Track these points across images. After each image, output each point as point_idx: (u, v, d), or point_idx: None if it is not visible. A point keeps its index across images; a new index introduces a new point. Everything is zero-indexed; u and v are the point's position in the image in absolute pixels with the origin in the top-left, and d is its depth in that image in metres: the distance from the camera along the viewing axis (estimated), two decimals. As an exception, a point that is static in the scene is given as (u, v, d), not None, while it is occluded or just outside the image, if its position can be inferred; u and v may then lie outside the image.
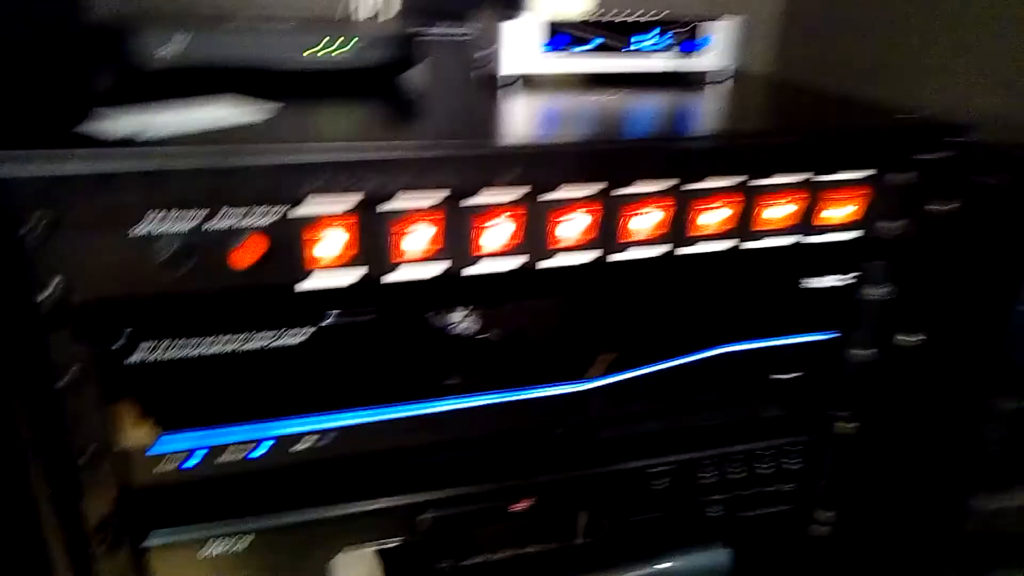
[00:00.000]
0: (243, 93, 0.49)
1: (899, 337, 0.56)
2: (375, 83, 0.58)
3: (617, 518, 0.57)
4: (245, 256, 0.40)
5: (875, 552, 0.64)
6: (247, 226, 0.39)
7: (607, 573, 0.61)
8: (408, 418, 0.49)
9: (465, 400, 0.49)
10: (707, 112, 0.58)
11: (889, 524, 0.62)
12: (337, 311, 0.44)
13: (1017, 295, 0.51)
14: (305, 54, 0.54)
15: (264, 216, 0.40)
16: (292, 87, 0.55)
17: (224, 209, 0.39)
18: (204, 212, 0.39)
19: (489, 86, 0.61)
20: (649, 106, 0.57)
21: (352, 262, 0.42)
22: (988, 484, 0.58)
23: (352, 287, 0.43)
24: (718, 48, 0.63)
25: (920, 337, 0.56)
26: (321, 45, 0.54)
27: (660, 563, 0.62)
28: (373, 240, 0.42)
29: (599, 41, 0.60)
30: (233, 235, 0.39)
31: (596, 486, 0.56)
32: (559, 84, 0.64)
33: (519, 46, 0.59)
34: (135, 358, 0.41)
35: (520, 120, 0.54)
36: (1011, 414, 0.54)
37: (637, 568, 0.61)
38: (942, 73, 0.75)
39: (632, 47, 0.61)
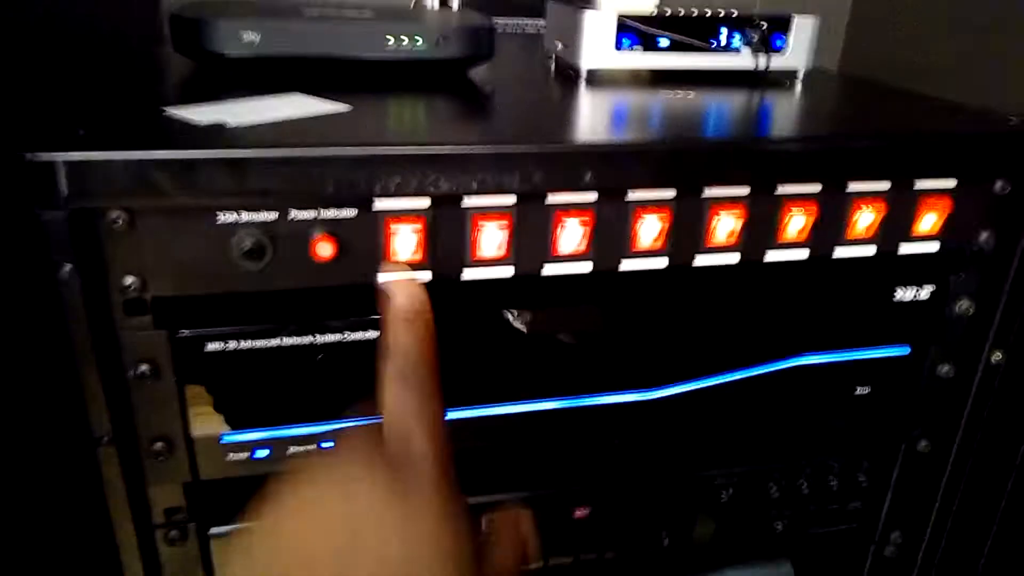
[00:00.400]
0: (320, 83, 0.49)
1: (987, 355, 0.53)
2: (451, 75, 0.58)
3: (680, 529, 0.56)
4: (325, 248, 0.39)
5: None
6: (328, 218, 0.39)
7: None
8: (474, 419, 0.48)
9: (534, 404, 0.48)
10: (790, 113, 0.56)
11: (960, 548, 0.60)
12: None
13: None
14: (387, 46, 0.53)
15: (344, 209, 0.39)
16: (369, 78, 0.54)
17: (306, 201, 0.38)
18: (286, 203, 0.38)
19: (565, 80, 0.60)
20: (729, 106, 0.55)
21: (428, 259, 0.41)
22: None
23: (427, 285, 0.42)
24: (797, 46, 0.61)
25: (1000, 356, 0.53)
26: (399, 36, 0.53)
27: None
28: (450, 237, 0.41)
29: (674, 37, 0.59)
30: (314, 227, 0.39)
31: (659, 494, 0.55)
32: (633, 80, 0.62)
33: (597, 40, 0.58)
34: (212, 348, 0.40)
35: (597, 117, 0.53)
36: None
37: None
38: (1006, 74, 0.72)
39: (710, 44, 0.60)
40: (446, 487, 0.30)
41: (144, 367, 0.40)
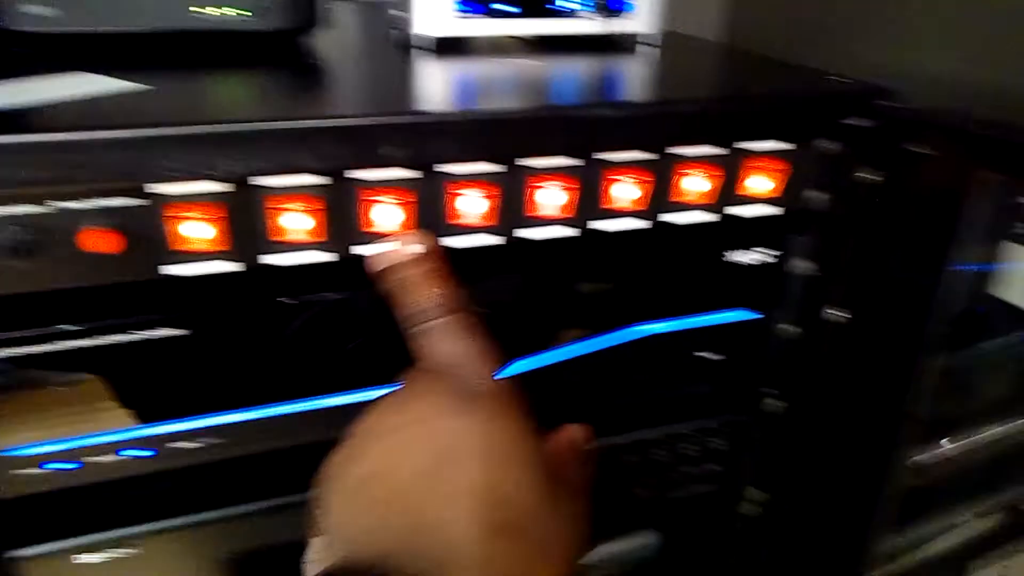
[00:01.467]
0: (120, 58, 0.45)
1: (827, 313, 0.54)
2: (273, 46, 0.54)
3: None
4: (102, 242, 0.36)
5: (806, 529, 0.63)
6: (102, 208, 0.35)
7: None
8: (275, 418, 0.45)
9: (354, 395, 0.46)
10: (625, 78, 0.55)
11: (820, 498, 0.61)
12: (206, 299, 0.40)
13: (944, 262, 0.50)
14: (191, 11, 0.49)
15: (122, 196, 0.36)
16: (176, 51, 0.50)
17: (74, 190, 0.35)
18: (52, 193, 0.34)
19: (401, 50, 0.57)
20: (564, 72, 0.53)
21: (224, 245, 0.38)
22: (915, 440, 0.58)
23: (225, 273, 0.39)
24: (643, 10, 0.59)
25: (847, 314, 0.54)
26: (205, 6, 0.49)
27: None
28: (247, 223, 0.38)
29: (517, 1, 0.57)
30: (86, 218, 0.35)
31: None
32: (479, 47, 0.60)
33: (433, 6, 0.55)
34: (-20, 357, 0.37)
35: (422, 88, 0.50)
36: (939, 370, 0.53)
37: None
38: (897, 36, 0.72)
39: (554, 7, 0.58)
40: (509, 405, 0.31)
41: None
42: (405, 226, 0.41)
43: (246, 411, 0.44)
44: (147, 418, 0.42)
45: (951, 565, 0.73)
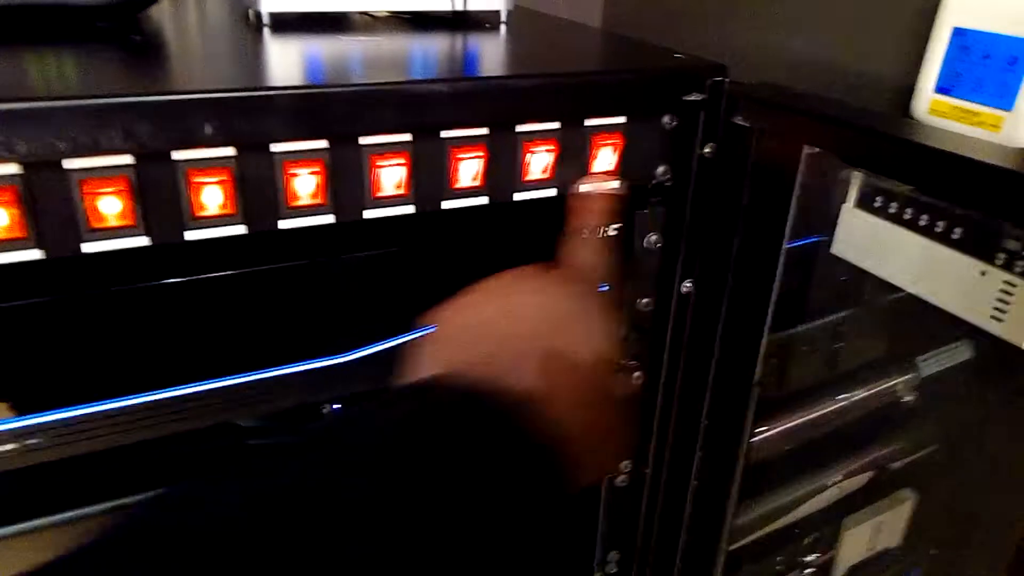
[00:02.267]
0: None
1: (678, 286, 0.56)
2: (107, 22, 0.51)
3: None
4: None
5: (669, 500, 0.65)
6: None
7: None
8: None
9: (208, 383, 0.45)
10: (469, 54, 0.55)
11: (678, 469, 0.64)
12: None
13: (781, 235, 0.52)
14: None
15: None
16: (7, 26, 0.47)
17: None
18: None
19: (247, 28, 0.55)
20: (401, 48, 0.53)
21: (31, 233, 0.36)
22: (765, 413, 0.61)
23: (37, 262, 0.37)
24: (494, -12, 0.60)
25: (689, 285, 0.56)
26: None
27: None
28: (56, 207, 0.36)
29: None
30: None
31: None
32: (320, 24, 0.58)
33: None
34: None
35: (253, 64, 0.49)
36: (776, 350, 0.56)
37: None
38: (753, 19, 0.75)
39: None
40: (605, 306, 0.37)
41: None
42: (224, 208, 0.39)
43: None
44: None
45: (826, 524, 0.78)
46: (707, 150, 0.51)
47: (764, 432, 0.65)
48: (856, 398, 0.72)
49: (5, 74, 0.41)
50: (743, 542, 0.70)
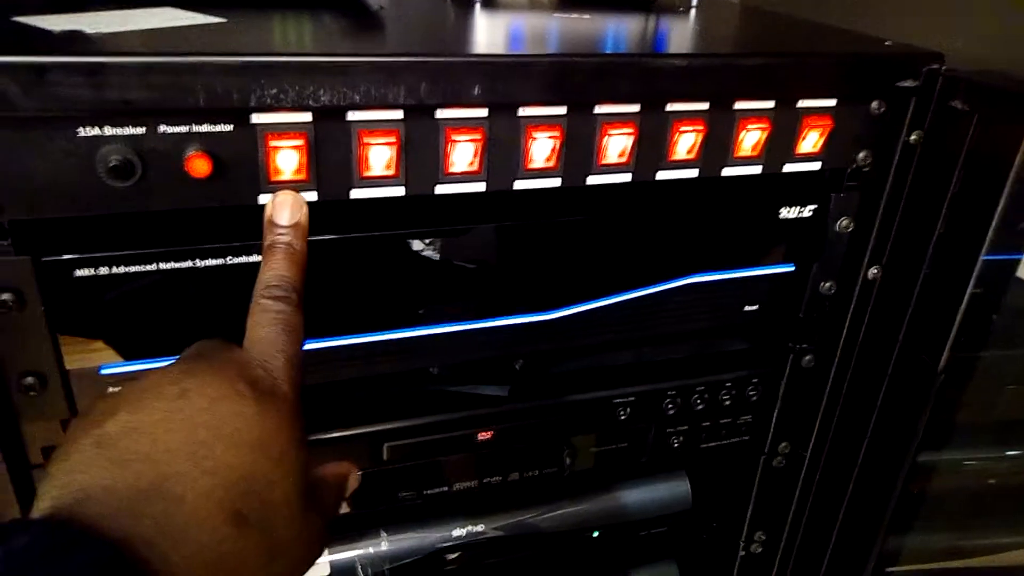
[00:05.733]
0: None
1: (865, 272, 0.56)
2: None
3: (580, 448, 0.57)
4: (201, 166, 0.37)
5: (828, 488, 0.66)
6: (202, 132, 0.37)
7: (569, 502, 0.62)
8: (370, 345, 0.47)
9: (428, 329, 0.48)
10: (681, 34, 0.57)
11: (842, 456, 0.64)
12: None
13: (981, 238, 0.52)
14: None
15: (219, 124, 0.37)
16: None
17: (175, 114, 0.36)
18: (154, 116, 0.36)
19: (461, 4, 0.58)
20: (619, 27, 0.55)
21: (312, 178, 0.40)
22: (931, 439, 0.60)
23: (313, 205, 0.40)
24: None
25: (876, 271, 0.56)
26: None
27: (623, 491, 0.63)
28: (334, 155, 0.40)
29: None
30: (187, 143, 0.37)
31: (558, 417, 0.56)
32: (530, 5, 0.61)
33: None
34: (81, 274, 0.38)
35: (486, 35, 0.52)
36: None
37: (601, 496, 0.62)
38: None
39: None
40: (297, 415, 0.32)
41: (7, 296, 0.37)
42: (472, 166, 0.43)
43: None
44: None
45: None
46: (913, 137, 0.51)
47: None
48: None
49: (276, 31, 0.45)
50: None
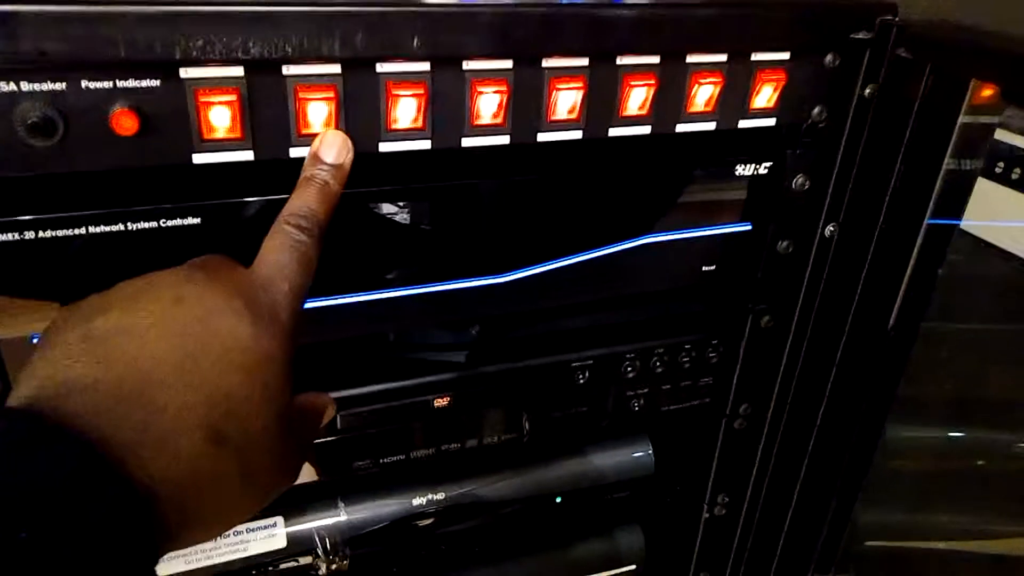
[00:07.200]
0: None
1: (821, 229, 0.56)
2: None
3: (539, 413, 0.57)
4: (129, 121, 0.35)
5: (790, 450, 0.66)
6: (127, 88, 0.35)
7: (530, 469, 0.62)
8: (320, 310, 0.46)
9: (379, 293, 0.47)
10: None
11: (802, 416, 0.64)
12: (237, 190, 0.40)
13: (927, 194, 0.52)
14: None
15: (145, 79, 0.35)
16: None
17: (97, 68, 0.34)
18: (74, 70, 0.34)
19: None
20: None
21: (247, 136, 0.38)
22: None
23: (249, 164, 0.39)
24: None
25: (833, 229, 0.56)
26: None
27: (585, 456, 0.63)
28: (270, 112, 0.38)
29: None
30: (112, 98, 0.35)
31: (516, 382, 0.55)
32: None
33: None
34: (3, 239, 0.36)
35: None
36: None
37: (563, 461, 0.62)
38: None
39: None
40: (290, 345, 0.31)
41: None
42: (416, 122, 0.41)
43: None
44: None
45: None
46: (868, 91, 0.50)
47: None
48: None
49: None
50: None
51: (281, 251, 0.33)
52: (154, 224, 0.39)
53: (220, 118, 0.37)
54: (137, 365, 0.27)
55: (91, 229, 0.38)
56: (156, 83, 0.36)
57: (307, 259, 0.34)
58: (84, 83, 0.35)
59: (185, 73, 0.36)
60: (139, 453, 0.25)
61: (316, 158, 0.37)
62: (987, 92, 0.47)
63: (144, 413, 0.26)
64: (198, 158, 0.38)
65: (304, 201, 0.35)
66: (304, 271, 0.33)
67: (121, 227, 0.38)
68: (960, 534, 0.71)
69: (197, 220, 0.40)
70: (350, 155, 0.38)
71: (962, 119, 0.48)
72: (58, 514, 0.22)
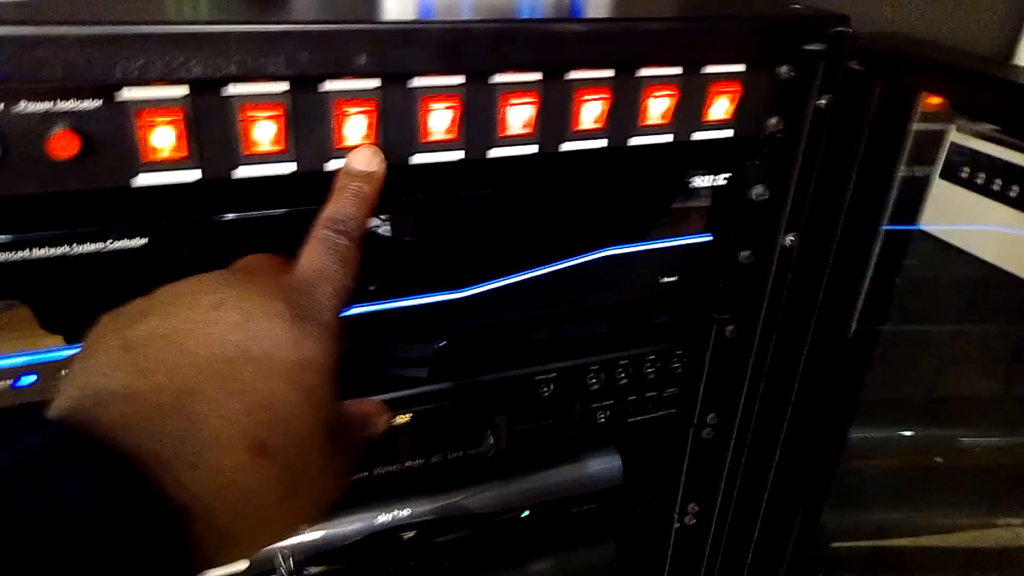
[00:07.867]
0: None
1: (781, 239, 0.56)
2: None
3: (504, 428, 0.57)
4: (69, 144, 0.35)
5: (758, 458, 0.66)
6: (66, 110, 0.35)
7: (496, 483, 0.61)
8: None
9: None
10: (587, 1, 0.55)
11: (769, 423, 0.64)
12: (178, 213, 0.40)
13: (881, 202, 0.52)
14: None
15: (84, 100, 0.35)
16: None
17: (34, 89, 0.34)
18: (11, 92, 0.34)
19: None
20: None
21: (192, 156, 0.38)
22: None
23: (193, 185, 0.39)
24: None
25: (792, 238, 0.56)
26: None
27: (552, 469, 0.63)
28: (215, 131, 0.38)
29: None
30: (50, 121, 0.35)
31: (479, 396, 0.55)
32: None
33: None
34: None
35: (389, 5, 0.50)
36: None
37: (529, 475, 0.62)
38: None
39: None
40: (335, 348, 0.31)
41: None
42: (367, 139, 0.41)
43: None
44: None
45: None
46: (823, 101, 0.51)
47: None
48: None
49: (154, 5, 0.43)
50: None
51: (321, 254, 0.32)
52: (100, 246, 0.38)
53: (163, 139, 0.37)
54: (175, 374, 0.26)
55: (35, 252, 0.37)
56: (96, 104, 0.35)
57: (349, 261, 0.33)
58: (23, 105, 0.34)
59: (126, 95, 0.35)
60: (175, 466, 0.24)
61: (347, 169, 0.38)
62: (937, 100, 0.47)
63: (183, 424, 0.25)
64: (141, 179, 0.37)
65: (339, 207, 0.35)
66: (346, 273, 0.33)
67: (65, 250, 0.38)
68: (926, 530, 0.72)
69: (144, 241, 0.39)
70: (383, 164, 0.38)
71: (914, 126, 0.48)
72: (89, 539, 0.21)
